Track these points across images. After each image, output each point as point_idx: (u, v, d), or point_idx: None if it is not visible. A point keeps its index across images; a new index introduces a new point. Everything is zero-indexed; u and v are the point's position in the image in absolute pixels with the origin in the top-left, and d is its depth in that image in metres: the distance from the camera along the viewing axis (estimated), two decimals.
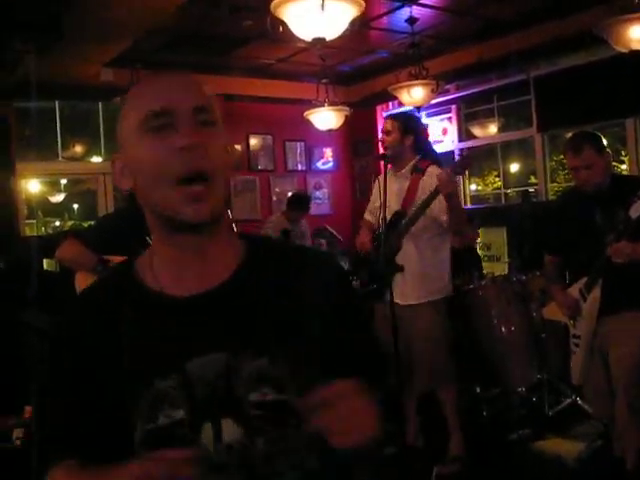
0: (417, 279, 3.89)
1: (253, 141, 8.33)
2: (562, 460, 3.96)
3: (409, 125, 4.02)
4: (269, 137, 8.46)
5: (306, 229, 6.89)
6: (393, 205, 3.91)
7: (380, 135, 4.11)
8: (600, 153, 3.43)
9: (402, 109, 8.04)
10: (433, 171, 3.85)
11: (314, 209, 8.52)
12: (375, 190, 4.25)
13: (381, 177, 4.08)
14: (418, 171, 3.93)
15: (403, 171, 3.99)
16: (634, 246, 3.21)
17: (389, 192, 3.85)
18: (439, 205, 3.73)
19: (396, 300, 3.75)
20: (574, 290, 3.58)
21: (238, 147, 8.20)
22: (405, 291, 3.86)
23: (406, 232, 3.85)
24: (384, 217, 3.65)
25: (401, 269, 3.80)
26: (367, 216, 4.33)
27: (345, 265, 6.79)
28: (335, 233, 7.28)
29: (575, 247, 3.57)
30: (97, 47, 5.92)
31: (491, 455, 4.09)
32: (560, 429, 4.36)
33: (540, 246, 3.98)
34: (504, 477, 3.79)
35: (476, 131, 8.37)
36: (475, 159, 8.57)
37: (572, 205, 3.67)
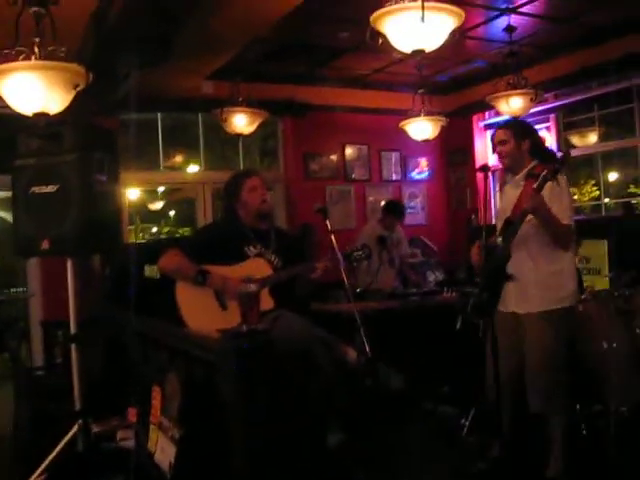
0: (531, 288, 3.79)
1: (349, 151, 8.39)
2: None
3: (523, 130, 3.96)
4: (365, 147, 8.50)
5: (402, 236, 6.86)
6: (507, 212, 3.85)
7: (494, 147, 4.02)
8: None
9: (499, 119, 7.97)
10: None
11: (408, 219, 8.48)
12: (498, 202, 4.18)
13: (487, 188, 4.03)
14: (532, 176, 3.75)
15: (517, 177, 3.92)
16: None
17: (506, 200, 3.82)
18: (550, 205, 3.63)
19: (514, 309, 3.71)
20: None
21: (334, 157, 8.27)
22: (521, 300, 3.81)
23: (513, 236, 3.74)
24: (485, 226, 3.61)
25: (511, 278, 3.72)
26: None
27: (440, 276, 6.77)
28: (429, 243, 7.25)
29: None
30: (200, 61, 6.10)
31: (589, 476, 3.97)
32: None
33: None
34: None
35: (575, 140, 8.17)
36: (572, 167, 8.37)
37: None
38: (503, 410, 3.98)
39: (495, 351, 3.46)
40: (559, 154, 3.65)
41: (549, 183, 3.66)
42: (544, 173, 3.50)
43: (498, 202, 4.10)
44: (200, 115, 7.88)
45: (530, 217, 3.67)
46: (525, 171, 3.89)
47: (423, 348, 5.31)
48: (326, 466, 3.81)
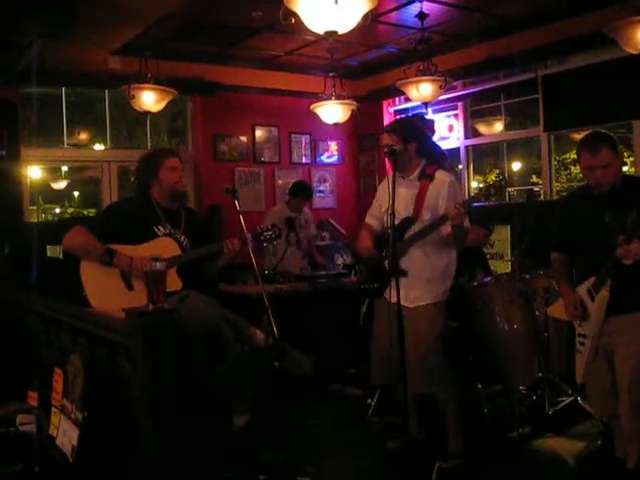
0: (424, 283, 3.94)
1: (259, 132, 8.34)
2: (562, 459, 3.99)
3: (409, 132, 4.00)
4: (275, 129, 8.46)
5: (310, 217, 6.87)
6: (401, 211, 3.91)
7: (383, 149, 4.05)
8: (616, 153, 3.46)
9: (409, 105, 8.09)
10: (441, 177, 3.92)
11: (318, 202, 8.56)
12: (380, 193, 4.25)
13: (386, 180, 4.09)
14: (426, 177, 3.94)
15: (411, 177, 4.01)
16: None
17: (397, 197, 3.86)
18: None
19: (403, 302, 3.77)
20: (582, 290, 3.59)
21: (244, 139, 8.20)
22: (410, 294, 3.89)
23: (414, 242, 3.90)
24: (392, 220, 3.66)
25: (404, 274, 3.81)
26: (369, 220, 4.30)
27: (348, 259, 6.83)
28: (338, 227, 7.29)
29: (583, 246, 3.58)
30: (106, 34, 5.93)
31: (491, 452, 4.11)
32: (560, 428, 4.38)
33: (546, 243, 3.98)
34: (503, 475, 3.81)
35: (482, 128, 8.38)
36: (478, 155, 8.59)
37: (581, 204, 3.67)
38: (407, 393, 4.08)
39: (401, 335, 3.51)
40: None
41: (446, 183, 3.83)
42: (487, 191, 3.83)
43: (382, 197, 4.12)
44: (107, 91, 7.66)
45: (427, 218, 3.87)
46: (417, 172, 4.00)
47: (330, 330, 5.37)
48: (232, 447, 3.81)
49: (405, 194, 3.98)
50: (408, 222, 3.93)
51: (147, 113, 6.64)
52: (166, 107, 6.77)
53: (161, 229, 4.02)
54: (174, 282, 3.83)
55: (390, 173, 3.59)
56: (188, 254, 3.98)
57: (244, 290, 5.23)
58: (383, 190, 4.15)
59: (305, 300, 5.43)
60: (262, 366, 3.98)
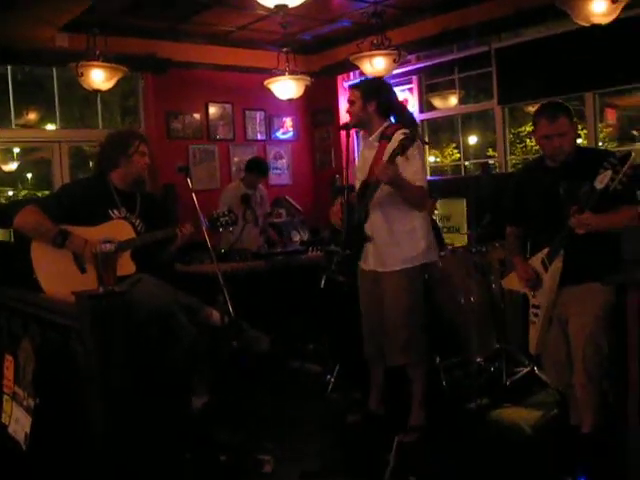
0: (388, 248, 3.90)
1: (212, 109, 8.22)
2: (519, 427, 4.04)
3: (370, 91, 3.96)
4: (229, 106, 8.35)
5: (265, 194, 6.84)
6: (363, 173, 3.91)
7: (347, 107, 4.05)
8: (572, 123, 3.51)
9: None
10: (397, 137, 3.76)
11: (273, 179, 8.50)
12: (358, 158, 4.23)
13: (349, 147, 4.07)
14: (385, 138, 3.87)
15: (371, 139, 3.97)
16: (596, 218, 3.25)
17: (362, 161, 3.84)
18: (405, 172, 3.70)
19: (374, 267, 3.76)
20: (536, 261, 3.62)
21: (197, 116, 8.09)
22: (380, 259, 3.90)
23: (369, 203, 3.84)
24: (347, 186, 3.64)
25: (369, 239, 3.79)
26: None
27: (305, 235, 6.81)
28: (294, 203, 7.25)
29: (537, 218, 3.61)
30: (52, 10, 5.75)
31: (450, 424, 4.15)
32: (517, 398, 4.44)
33: (501, 217, 4.00)
34: (462, 445, 3.84)
35: (437, 102, 8.39)
36: (434, 130, 8.60)
37: (535, 176, 3.70)
38: (373, 363, 4.10)
39: (361, 304, 3.54)
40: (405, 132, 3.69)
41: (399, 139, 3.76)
42: (395, 148, 3.58)
43: (357, 162, 4.15)
44: (55, 70, 7.47)
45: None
46: (378, 132, 3.94)
47: (288, 307, 5.35)
48: (191, 428, 3.78)
49: (367, 156, 3.96)
50: (368, 186, 3.86)
51: (97, 92, 6.50)
52: (117, 85, 6.64)
53: (116, 212, 3.93)
54: (128, 266, 3.76)
55: (345, 146, 3.57)
56: (143, 238, 3.91)
57: (200, 270, 5.18)
58: (359, 152, 4.17)
59: (262, 278, 5.40)
60: (219, 346, 3.95)
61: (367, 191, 3.85)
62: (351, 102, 3.97)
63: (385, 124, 3.95)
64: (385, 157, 3.72)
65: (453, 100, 8.22)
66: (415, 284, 3.95)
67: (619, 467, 2.81)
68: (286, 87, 7.01)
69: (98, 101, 7.76)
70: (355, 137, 6.73)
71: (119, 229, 3.86)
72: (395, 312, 3.88)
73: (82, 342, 2.79)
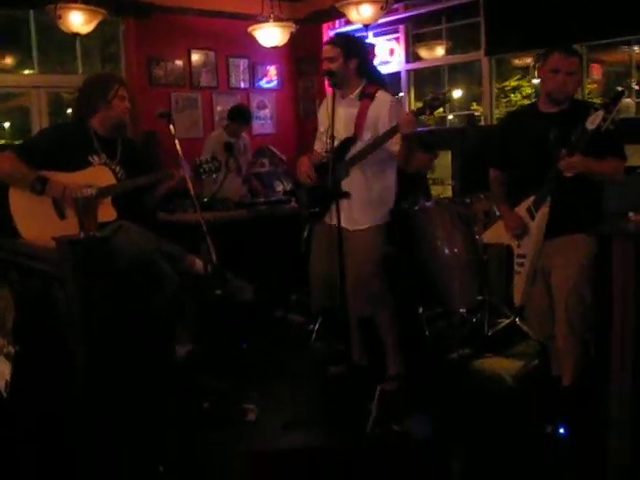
0: (364, 205, 3.87)
1: (195, 57, 8.05)
2: (500, 377, 4.08)
3: (352, 48, 3.85)
4: (212, 53, 8.17)
5: (248, 143, 6.78)
6: (342, 131, 3.83)
7: (322, 63, 3.91)
8: (580, 68, 3.51)
9: (349, 28, 7.90)
10: (382, 97, 3.79)
11: (257, 129, 8.40)
12: (320, 115, 4.16)
13: (326, 101, 4.02)
14: (366, 96, 3.81)
15: (351, 96, 3.88)
16: (586, 161, 3.23)
17: (336, 118, 3.76)
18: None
19: (345, 225, 3.73)
20: (521, 209, 3.60)
21: (179, 63, 7.93)
22: (352, 217, 3.85)
23: (355, 163, 3.79)
24: (332, 142, 3.59)
25: (347, 196, 3.75)
26: (315, 145, 4.19)
27: (288, 185, 6.75)
28: (278, 153, 7.19)
29: (524, 164, 3.58)
30: None
31: (432, 373, 4.18)
32: (499, 349, 4.48)
33: (486, 162, 3.96)
34: (444, 394, 3.88)
35: (423, 53, 8.28)
36: (420, 82, 8.51)
37: (525, 121, 3.68)
38: (350, 315, 4.10)
39: (341, 260, 3.52)
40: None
41: (387, 102, 3.72)
42: (432, 102, 3.49)
43: (322, 118, 4.07)
44: (32, 12, 7.26)
45: (369, 137, 3.75)
46: (358, 91, 3.87)
47: (272, 257, 5.33)
48: (175, 376, 3.78)
49: (345, 114, 3.87)
50: (348, 142, 3.83)
51: (76, 35, 6.34)
52: (97, 30, 6.48)
53: (95, 158, 3.86)
54: (109, 212, 3.70)
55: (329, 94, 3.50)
56: (124, 184, 3.85)
57: (183, 218, 5.13)
58: (322, 111, 4.08)
59: (245, 227, 5.36)
60: (203, 294, 3.92)
61: (349, 147, 3.81)
62: (330, 59, 3.83)
63: (363, 82, 3.89)
64: (370, 116, 3.76)
65: (440, 51, 8.13)
66: (382, 240, 3.99)
67: (599, 418, 2.84)
68: (270, 34, 6.89)
69: (77, 46, 7.58)
70: None
71: (99, 175, 3.80)
72: (367, 266, 3.87)
73: (63, 288, 2.75)
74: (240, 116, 6.52)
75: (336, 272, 3.61)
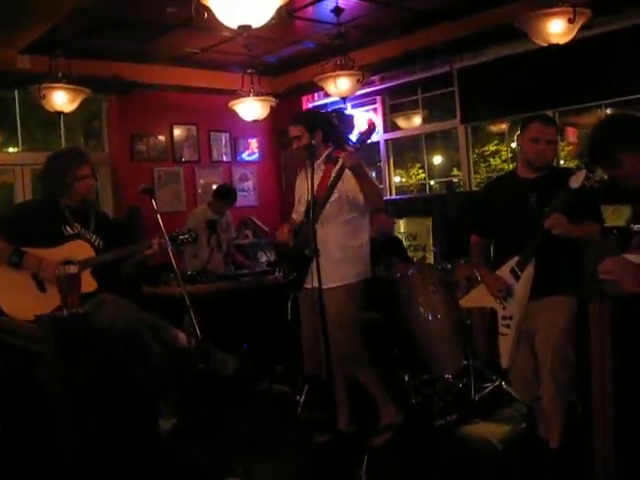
0: (332, 263, 3.93)
1: (177, 131, 8.21)
2: (488, 443, 4.05)
3: (313, 123, 4.12)
4: (193, 127, 8.34)
5: (231, 221, 6.87)
6: (308, 195, 3.94)
7: (293, 142, 4.17)
8: (557, 137, 3.69)
9: (328, 100, 8.10)
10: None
11: (240, 201, 8.42)
12: (297, 187, 4.38)
13: (301, 173, 4.23)
14: (331, 160, 3.99)
15: (318, 162, 4.05)
16: (568, 223, 3.32)
17: (305, 185, 3.90)
18: (353, 186, 3.84)
19: (317, 284, 3.78)
20: (504, 271, 3.65)
21: (162, 138, 8.06)
22: (323, 275, 3.87)
23: (319, 215, 3.89)
24: (308, 208, 3.69)
25: (315, 254, 3.80)
26: (293, 215, 4.39)
27: (271, 257, 6.80)
28: (261, 225, 7.25)
29: (505, 229, 3.67)
30: (11, 32, 5.72)
31: (420, 441, 4.15)
32: (486, 413, 4.46)
33: (466, 228, 4.03)
34: (431, 462, 3.85)
35: (401, 122, 8.46)
36: (399, 150, 8.67)
37: (505, 187, 3.79)
38: (335, 379, 4.09)
39: (324, 327, 3.54)
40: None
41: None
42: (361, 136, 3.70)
43: (298, 189, 4.35)
44: (16, 92, 7.40)
45: (335, 197, 3.91)
46: (323, 157, 4.06)
47: (257, 328, 5.32)
48: (160, 451, 3.73)
49: (316, 180, 3.99)
50: (314, 204, 3.88)
51: (60, 114, 6.44)
52: (81, 107, 6.59)
53: (68, 229, 3.91)
54: (89, 283, 3.73)
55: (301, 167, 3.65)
56: (103, 257, 3.89)
57: (167, 291, 5.14)
58: (298, 183, 4.33)
59: (230, 299, 5.37)
60: (186, 368, 3.91)
61: (315, 208, 3.88)
62: (297, 137, 4.09)
63: (329, 149, 4.08)
64: (346, 175, 3.84)
65: (417, 120, 8.30)
66: (358, 298, 4.08)
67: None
68: (251, 108, 7.03)
69: (61, 124, 7.69)
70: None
71: (77, 249, 3.85)
72: (334, 326, 3.87)
73: (45, 367, 2.75)
74: (227, 196, 6.64)
75: (319, 335, 3.66)
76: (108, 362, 3.12)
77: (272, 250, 6.82)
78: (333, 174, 3.90)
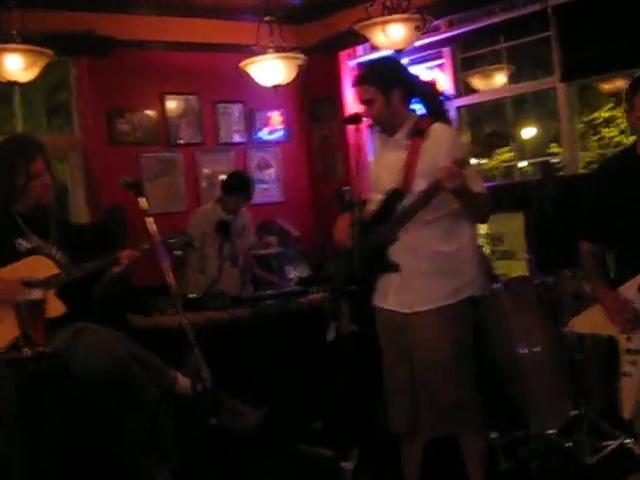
0: (421, 280, 3.87)
1: (171, 104, 8.23)
2: None
3: (388, 78, 3.95)
4: (193, 98, 8.36)
5: (248, 222, 6.87)
6: (386, 182, 3.91)
7: (361, 109, 4.04)
8: None
9: (375, 55, 8.09)
10: (438, 131, 3.84)
11: (259, 197, 8.45)
12: (371, 169, 4.28)
13: (378, 149, 4.21)
14: (417, 133, 3.87)
15: (397, 136, 3.97)
16: None
17: (381, 165, 3.87)
18: None
19: (394, 307, 3.77)
20: (628, 289, 3.60)
21: (150, 113, 8.12)
22: (404, 295, 3.88)
23: (404, 223, 3.82)
24: (360, 198, 3.67)
25: (395, 268, 3.80)
26: (370, 207, 4.17)
27: (304, 271, 6.81)
28: (288, 228, 7.28)
29: (628, 230, 3.61)
30: None
31: None
32: None
33: (574, 232, 3.99)
34: None
35: (477, 83, 8.40)
36: (475, 121, 8.64)
37: (623, 172, 3.71)
38: (406, 440, 4.08)
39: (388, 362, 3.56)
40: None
41: (444, 137, 3.79)
42: (488, 140, 3.61)
43: (373, 169, 4.23)
44: None
45: (423, 186, 3.74)
46: (406, 128, 3.95)
47: (285, 370, 5.34)
48: None
49: (392, 160, 3.96)
50: (396, 196, 3.86)
51: (15, 84, 6.54)
52: (42, 75, 6.68)
53: (23, 243, 3.99)
54: (55, 306, 3.80)
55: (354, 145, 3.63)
56: (71, 272, 3.97)
57: (162, 322, 5.19)
58: (374, 164, 4.24)
59: (247, 331, 5.41)
60: (189, 423, 3.94)
61: (397, 204, 3.85)
62: (368, 101, 3.94)
63: (413, 115, 3.99)
64: (424, 160, 3.78)
65: (499, 79, 8.25)
66: (459, 326, 3.91)
67: None
68: (271, 69, 7.04)
69: (17, 98, 7.81)
70: (368, 133, 6.76)
71: (36, 266, 3.93)
72: (434, 369, 3.85)
73: (5, 418, 2.80)
74: (240, 188, 6.60)
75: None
76: (86, 415, 3.16)
77: (305, 262, 6.84)
78: (424, 156, 3.80)
